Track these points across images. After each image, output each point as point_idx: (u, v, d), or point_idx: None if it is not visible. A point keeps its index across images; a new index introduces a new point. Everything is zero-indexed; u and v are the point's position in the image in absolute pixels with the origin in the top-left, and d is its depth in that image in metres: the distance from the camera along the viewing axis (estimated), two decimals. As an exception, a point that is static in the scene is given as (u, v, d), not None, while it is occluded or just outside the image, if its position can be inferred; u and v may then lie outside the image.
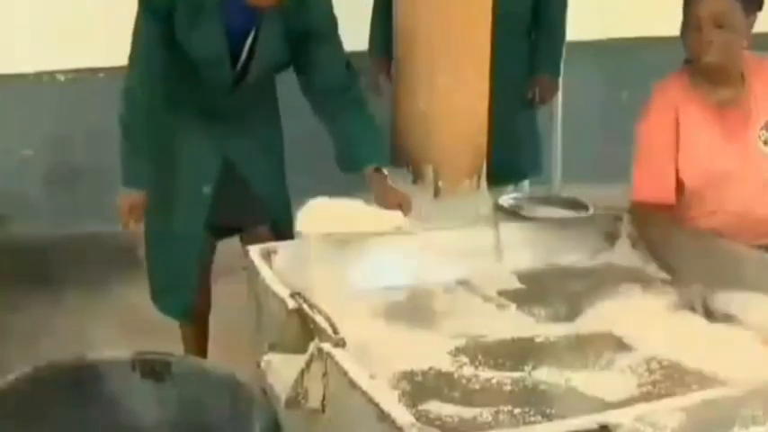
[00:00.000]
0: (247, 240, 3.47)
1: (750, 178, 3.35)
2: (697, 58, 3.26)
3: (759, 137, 3.35)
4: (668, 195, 3.36)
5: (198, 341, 3.81)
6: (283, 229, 3.61)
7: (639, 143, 3.42)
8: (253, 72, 3.42)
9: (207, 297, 3.79)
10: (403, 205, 3.32)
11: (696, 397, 2.30)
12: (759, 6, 3.25)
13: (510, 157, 4.53)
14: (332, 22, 3.46)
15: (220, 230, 3.66)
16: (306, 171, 4.78)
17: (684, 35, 3.27)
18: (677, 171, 3.36)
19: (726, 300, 3.04)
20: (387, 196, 3.35)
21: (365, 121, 3.47)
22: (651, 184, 3.38)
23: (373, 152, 3.44)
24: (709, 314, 2.99)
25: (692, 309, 3.00)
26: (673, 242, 3.28)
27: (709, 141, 3.34)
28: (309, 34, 3.39)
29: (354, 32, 4.94)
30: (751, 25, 3.24)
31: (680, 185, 3.38)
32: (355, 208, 3.28)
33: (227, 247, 3.75)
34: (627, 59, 5.99)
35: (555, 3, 4.76)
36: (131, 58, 3.40)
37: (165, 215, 3.58)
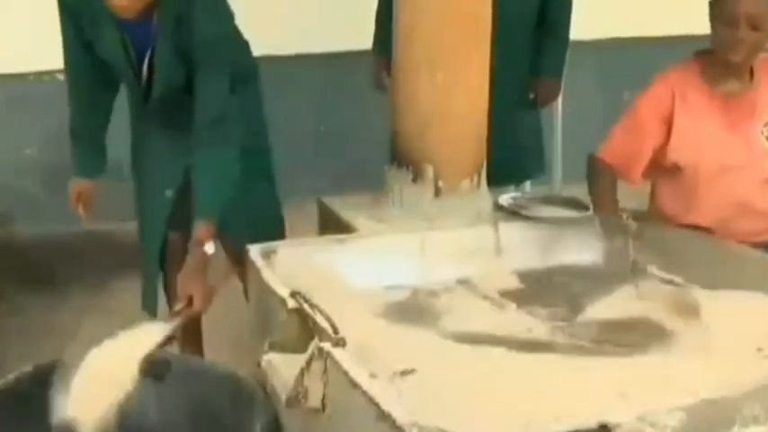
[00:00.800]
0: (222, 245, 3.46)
1: (751, 172, 3.37)
2: (724, 53, 3.28)
3: (762, 132, 3.39)
4: (634, 176, 3.48)
5: (186, 339, 3.80)
6: (240, 241, 3.39)
7: (630, 112, 3.50)
8: (155, 88, 3.33)
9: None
10: (194, 298, 3.00)
11: (697, 396, 2.30)
12: None
13: (513, 157, 4.54)
14: (210, 42, 3.16)
15: (187, 231, 3.62)
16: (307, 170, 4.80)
17: (715, 25, 3.28)
18: (659, 154, 3.42)
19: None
20: (186, 276, 3.05)
21: (210, 172, 3.17)
22: (625, 147, 3.48)
23: (205, 209, 3.14)
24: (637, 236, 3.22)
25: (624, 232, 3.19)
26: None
27: (712, 130, 3.37)
28: (191, 51, 3.18)
29: (354, 32, 4.97)
30: None
31: (673, 173, 3.42)
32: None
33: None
34: (628, 59, 5.99)
35: (560, 5, 4.75)
36: (63, 55, 3.46)
37: (139, 216, 3.73)
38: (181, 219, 3.49)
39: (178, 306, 3.00)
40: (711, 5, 3.31)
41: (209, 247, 3.08)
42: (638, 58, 5.90)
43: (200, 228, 3.09)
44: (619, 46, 4.87)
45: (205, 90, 3.18)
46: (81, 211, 3.60)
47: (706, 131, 3.37)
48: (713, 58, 3.36)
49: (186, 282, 3.03)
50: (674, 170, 3.42)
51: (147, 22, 3.16)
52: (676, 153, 3.40)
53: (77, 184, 3.59)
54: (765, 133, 3.39)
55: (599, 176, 3.53)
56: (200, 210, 3.13)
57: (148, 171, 3.63)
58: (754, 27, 3.20)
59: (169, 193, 3.55)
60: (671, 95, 3.38)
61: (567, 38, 4.80)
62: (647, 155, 3.44)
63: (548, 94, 4.86)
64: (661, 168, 3.47)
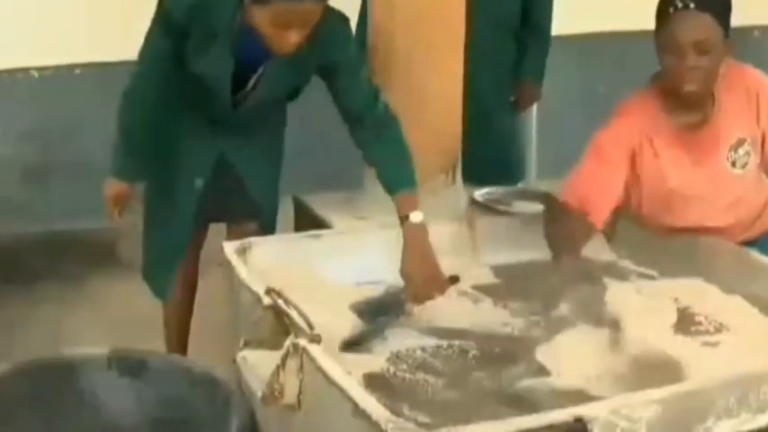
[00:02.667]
0: (233, 235, 3.51)
1: (715, 199, 3.30)
2: (676, 85, 3.12)
3: (727, 158, 3.27)
4: (598, 220, 3.24)
5: (179, 326, 3.82)
6: (268, 227, 3.65)
7: (592, 152, 3.30)
8: (251, 101, 3.39)
9: (194, 283, 3.81)
10: (436, 285, 3.08)
11: (671, 389, 2.31)
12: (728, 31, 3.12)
13: (491, 160, 4.48)
14: (349, 54, 3.34)
15: (208, 222, 3.69)
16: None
17: (661, 56, 3.13)
18: (626, 191, 3.29)
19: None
20: (416, 261, 3.09)
21: (388, 145, 3.33)
22: (587, 191, 3.25)
23: (397, 178, 3.27)
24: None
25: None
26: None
27: (676, 166, 3.26)
28: (328, 69, 3.32)
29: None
30: (728, 49, 3.13)
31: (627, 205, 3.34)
32: None
33: (205, 244, 3.75)
34: (604, 54, 6.01)
35: (543, 7, 4.71)
36: (140, 60, 3.39)
37: (161, 200, 3.62)
38: (209, 212, 3.58)
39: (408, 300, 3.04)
40: (656, 36, 3.15)
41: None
42: (615, 53, 5.92)
43: (412, 199, 3.18)
44: (596, 40, 4.88)
45: (363, 87, 3.34)
46: (117, 216, 3.52)
47: (670, 166, 3.25)
48: (669, 88, 3.19)
49: (423, 263, 3.08)
50: (637, 202, 3.34)
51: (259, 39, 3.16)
52: (640, 186, 3.29)
53: (115, 187, 3.48)
54: (731, 159, 3.27)
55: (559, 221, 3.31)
56: (400, 183, 3.22)
57: (180, 160, 3.56)
58: (702, 51, 3.04)
59: (199, 182, 3.54)
60: (638, 131, 3.24)
61: (548, 41, 4.75)
62: (617, 192, 3.26)
63: (528, 97, 4.82)
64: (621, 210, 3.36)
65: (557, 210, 3.30)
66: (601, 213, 3.23)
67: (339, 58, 3.29)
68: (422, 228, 3.11)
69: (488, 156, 4.37)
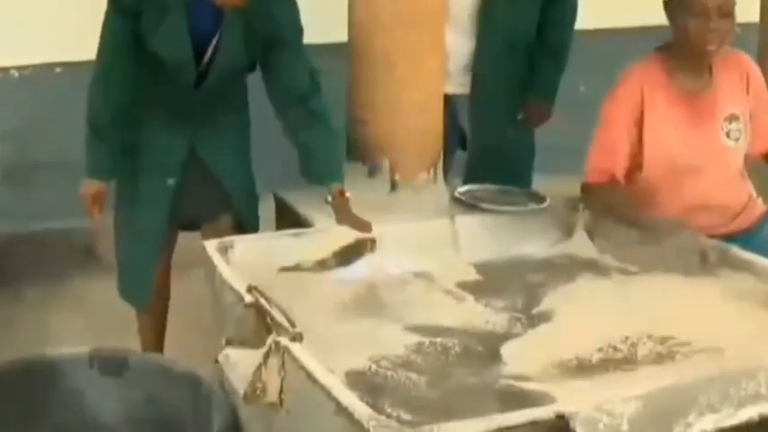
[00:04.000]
0: (208, 232, 3.50)
1: (712, 169, 3.39)
2: (698, 45, 3.28)
3: (722, 128, 3.40)
4: (617, 169, 3.39)
5: (154, 332, 3.81)
6: (245, 220, 3.65)
7: (601, 121, 3.45)
8: (213, 74, 3.42)
9: (166, 288, 3.79)
10: (363, 232, 3.34)
11: (652, 385, 2.31)
12: None
13: (501, 174, 4.36)
14: (295, 29, 3.44)
15: (182, 223, 3.67)
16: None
17: (683, 20, 3.27)
18: (638, 155, 3.39)
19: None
20: (347, 220, 3.37)
21: (325, 135, 3.45)
22: (603, 157, 3.41)
23: (331, 169, 3.45)
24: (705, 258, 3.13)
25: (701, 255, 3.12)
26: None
27: (676, 127, 3.38)
28: (272, 40, 3.39)
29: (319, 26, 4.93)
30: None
31: (636, 172, 3.41)
32: None
33: (187, 243, 3.73)
34: (585, 52, 6.00)
35: (560, 29, 4.51)
36: (98, 54, 3.42)
37: (132, 205, 3.61)
38: (182, 211, 3.58)
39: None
40: (675, 2, 3.30)
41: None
42: (596, 51, 5.92)
43: (337, 187, 3.40)
44: (577, 39, 4.87)
45: (297, 62, 3.44)
46: (96, 215, 3.51)
47: (670, 128, 3.37)
48: (675, 54, 3.37)
49: (352, 221, 3.35)
50: (639, 167, 3.42)
51: (213, 8, 3.24)
52: (644, 151, 3.38)
53: (92, 186, 3.48)
54: (725, 129, 3.41)
55: (606, 197, 3.45)
56: (332, 176, 3.42)
57: (150, 160, 3.56)
58: (725, 14, 3.22)
59: (171, 181, 3.53)
60: (639, 94, 3.37)
61: (563, 60, 4.55)
62: (626, 147, 3.40)
63: (537, 116, 4.57)
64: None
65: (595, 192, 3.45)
66: (617, 176, 3.40)
67: (283, 22, 3.36)
68: (347, 199, 3.41)
69: (493, 171, 4.27)
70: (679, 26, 3.30)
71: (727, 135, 3.41)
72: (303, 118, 3.43)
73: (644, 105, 3.37)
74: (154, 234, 3.62)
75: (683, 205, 3.38)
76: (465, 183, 4.15)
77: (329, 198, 3.40)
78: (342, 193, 3.40)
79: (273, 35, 3.38)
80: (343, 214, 3.38)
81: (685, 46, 3.33)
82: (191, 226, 3.67)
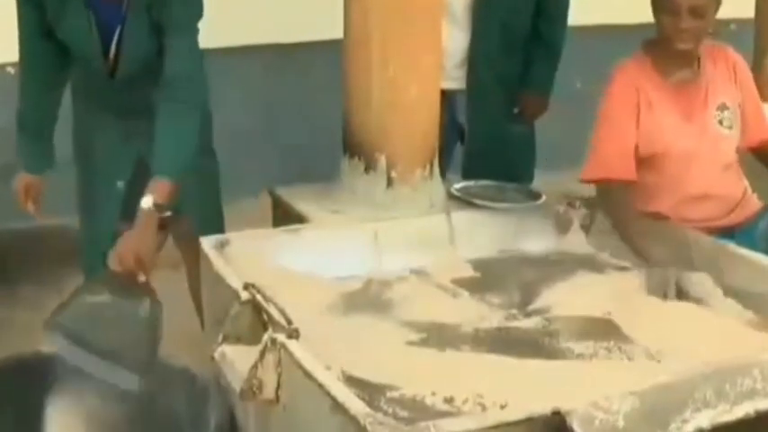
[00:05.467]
0: (173, 233, 3.48)
1: (708, 159, 3.42)
2: (669, 42, 3.33)
3: (714, 117, 3.43)
4: (631, 173, 3.38)
5: None
6: (206, 217, 3.57)
7: (602, 121, 3.45)
8: (123, 64, 3.34)
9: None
10: (140, 259, 2.99)
11: (649, 381, 2.31)
12: None
13: (499, 168, 4.35)
14: (186, 14, 3.25)
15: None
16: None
17: (659, 16, 3.33)
18: (637, 149, 3.40)
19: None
20: (136, 235, 3.03)
21: (170, 124, 3.18)
22: (616, 161, 3.39)
23: (161, 161, 3.13)
24: (682, 296, 3.04)
25: (665, 293, 3.04)
26: (639, 226, 3.31)
27: (670, 121, 3.40)
28: (166, 24, 3.24)
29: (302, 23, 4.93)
30: (716, 12, 3.34)
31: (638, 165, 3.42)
32: None
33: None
34: (581, 49, 6.00)
35: (553, 18, 4.51)
36: (18, 45, 3.39)
37: (85, 207, 3.61)
38: (132, 213, 3.49)
39: (114, 265, 2.96)
40: None
41: (165, 209, 3.04)
42: (592, 48, 5.91)
43: (158, 184, 3.05)
44: (573, 35, 4.87)
45: (177, 47, 3.21)
46: (30, 207, 3.52)
47: (664, 121, 3.40)
48: (661, 48, 3.40)
49: (134, 241, 2.99)
50: (636, 161, 3.42)
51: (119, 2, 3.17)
52: (641, 146, 3.40)
53: (25, 179, 3.51)
54: (718, 117, 3.44)
55: (614, 202, 3.41)
56: (161, 166, 3.09)
57: (99, 162, 3.54)
58: (697, 15, 3.26)
59: (120, 184, 3.50)
60: (635, 88, 3.40)
61: (558, 53, 4.56)
62: (633, 148, 3.39)
63: (533, 109, 4.57)
64: None
65: (609, 194, 3.42)
66: (628, 173, 3.38)
67: (175, 6, 3.20)
68: (148, 212, 3.03)
69: (491, 166, 4.26)
70: (657, 22, 3.36)
71: (720, 123, 3.45)
72: (162, 103, 3.19)
73: (639, 101, 3.39)
74: (106, 236, 3.44)
75: (684, 196, 3.42)
76: (463, 177, 4.15)
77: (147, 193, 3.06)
78: (162, 189, 3.06)
79: (167, 19, 3.22)
80: (138, 227, 3.04)
81: (662, 42, 3.38)
82: None
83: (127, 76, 3.36)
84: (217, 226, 3.57)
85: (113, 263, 2.97)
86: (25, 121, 3.48)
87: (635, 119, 3.39)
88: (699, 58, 3.45)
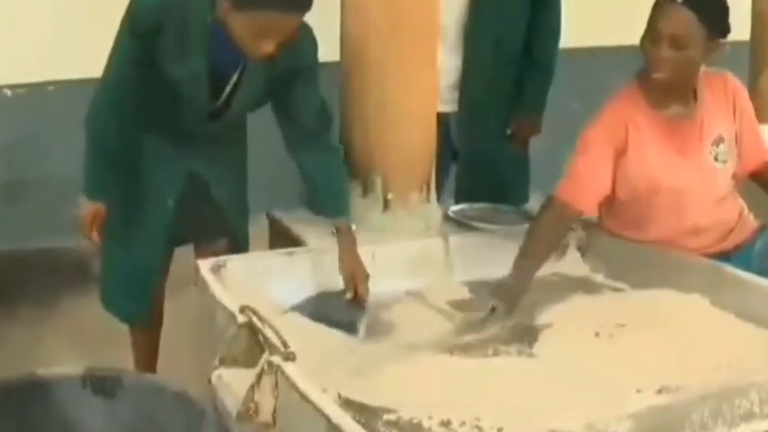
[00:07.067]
0: (202, 253, 3.46)
1: (701, 193, 3.37)
2: (648, 70, 3.26)
3: (710, 152, 3.37)
4: (590, 209, 3.40)
5: (148, 348, 3.79)
6: (239, 244, 3.61)
7: (580, 149, 3.38)
8: (230, 111, 3.36)
9: (161, 304, 3.78)
10: (358, 279, 3.25)
11: (645, 403, 2.32)
12: (723, 34, 3.24)
13: (491, 189, 4.38)
14: (314, 64, 3.35)
15: (178, 241, 3.65)
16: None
17: (642, 43, 3.26)
18: (615, 182, 3.36)
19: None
20: (347, 263, 3.28)
21: (334, 170, 3.44)
22: (584, 195, 3.35)
23: (337, 204, 3.40)
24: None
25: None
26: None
27: (663, 157, 3.34)
28: (292, 75, 3.28)
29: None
30: (713, 49, 3.23)
31: (613, 199, 3.41)
32: None
33: (180, 262, 3.73)
34: (578, 69, 6.02)
35: (547, 45, 4.47)
36: (105, 73, 3.30)
37: (129, 224, 3.54)
38: (179, 232, 3.54)
39: (349, 294, 3.22)
40: (647, 22, 3.28)
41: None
42: (589, 68, 5.93)
43: (342, 225, 3.35)
44: (570, 56, 4.87)
45: (312, 99, 3.37)
46: (95, 236, 3.43)
47: (657, 158, 3.33)
48: (645, 79, 3.32)
49: (352, 264, 3.27)
50: (625, 197, 3.40)
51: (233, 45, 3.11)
52: (629, 181, 3.36)
53: (91, 207, 3.39)
54: (713, 153, 3.37)
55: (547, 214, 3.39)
56: (340, 210, 3.39)
57: (149, 180, 3.49)
58: (678, 46, 3.17)
59: (171, 201, 3.48)
60: (624, 125, 3.33)
61: (549, 76, 4.52)
62: (605, 183, 3.36)
63: (526, 129, 4.53)
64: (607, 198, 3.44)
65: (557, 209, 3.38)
66: (589, 204, 3.38)
67: (304, 58, 3.26)
68: (353, 236, 3.35)
69: (484, 187, 4.26)
70: (641, 49, 3.29)
71: (716, 158, 3.38)
72: (313, 152, 3.38)
73: (628, 134, 3.33)
74: (154, 254, 3.56)
75: (675, 230, 3.38)
76: (456, 199, 4.15)
77: (334, 231, 3.34)
78: (348, 228, 3.35)
79: (293, 71, 3.27)
80: (345, 257, 3.30)
81: (644, 68, 3.32)
82: (184, 242, 3.66)
83: (226, 120, 3.38)
84: (247, 247, 3.65)
85: (349, 287, 3.23)
86: (105, 151, 3.37)
87: (612, 159, 3.33)
88: (695, 90, 3.37)
